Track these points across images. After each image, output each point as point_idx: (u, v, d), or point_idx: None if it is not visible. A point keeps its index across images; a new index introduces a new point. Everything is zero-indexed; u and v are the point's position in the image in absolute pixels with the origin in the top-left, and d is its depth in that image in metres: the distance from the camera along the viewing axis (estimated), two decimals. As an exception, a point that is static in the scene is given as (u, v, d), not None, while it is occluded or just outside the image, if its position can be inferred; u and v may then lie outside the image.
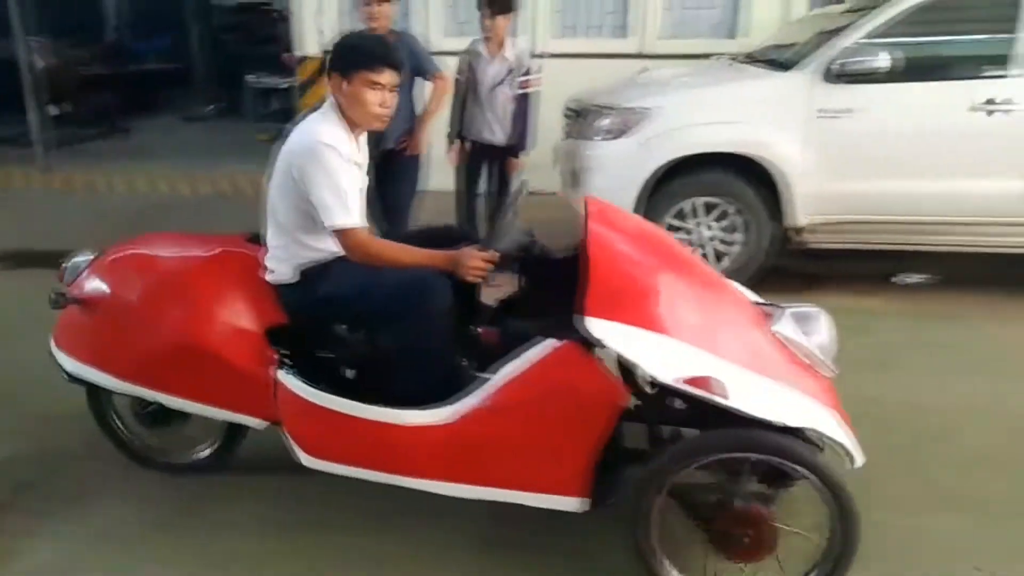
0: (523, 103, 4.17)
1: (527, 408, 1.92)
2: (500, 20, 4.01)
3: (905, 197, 4.01)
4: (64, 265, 2.39)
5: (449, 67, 4.13)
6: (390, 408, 2.01)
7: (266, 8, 10.80)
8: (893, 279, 4.45)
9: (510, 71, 4.12)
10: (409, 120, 4.02)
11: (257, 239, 2.36)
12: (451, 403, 1.97)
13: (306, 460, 2.15)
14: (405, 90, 3.98)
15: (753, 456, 1.81)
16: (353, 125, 2.17)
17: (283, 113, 8.55)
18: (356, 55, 2.12)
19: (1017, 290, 4.23)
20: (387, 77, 2.09)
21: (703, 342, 1.86)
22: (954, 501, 2.42)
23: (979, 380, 3.22)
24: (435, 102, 4.03)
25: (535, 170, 4.14)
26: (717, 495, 1.87)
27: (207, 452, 2.49)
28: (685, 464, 1.85)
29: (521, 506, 1.99)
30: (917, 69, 3.88)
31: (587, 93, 4.50)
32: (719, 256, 4.19)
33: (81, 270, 2.34)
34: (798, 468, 1.78)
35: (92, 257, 2.38)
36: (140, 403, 2.40)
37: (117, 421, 2.50)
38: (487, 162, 4.36)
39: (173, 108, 10.83)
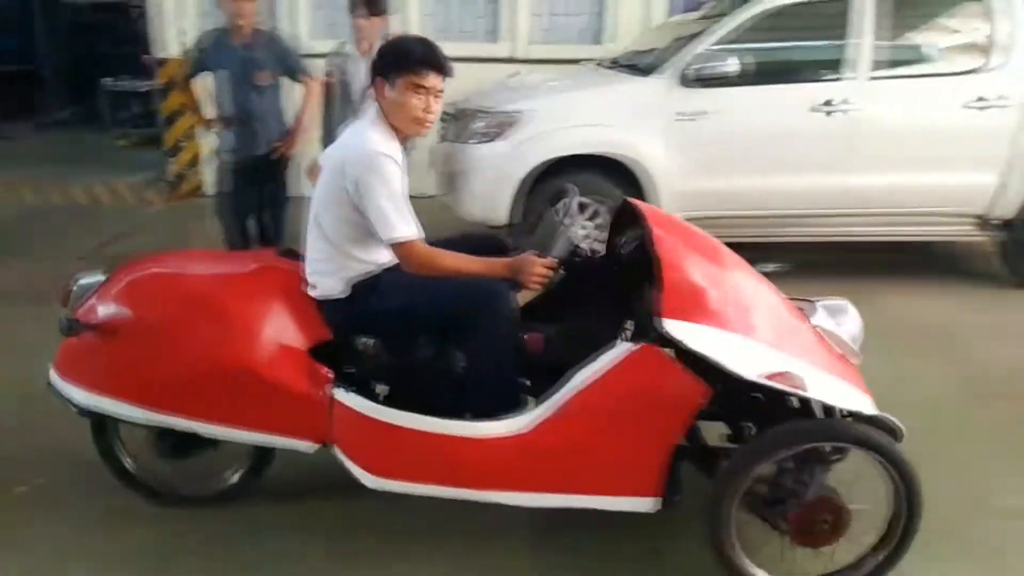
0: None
1: (606, 412, 1.92)
2: (373, 22, 3.97)
3: (757, 193, 4.30)
4: (70, 288, 2.15)
5: (318, 69, 4.06)
6: (464, 421, 1.96)
7: (126, 5, 10.15)
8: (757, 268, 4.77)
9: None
10: (281, 124, 3.93)
11: (291, 253, 2.28)
12: (526, 412, 1.95)
13: (371, 482, 2.03)
14: (272, 92, 3.88)
15: (830, 445, 1.92)
16: (396, 131, 2.08)
17: (143, 118, 8.09)
18: (400, 58, 2.02)
19: (859, 273, 4.63)
20: (432, 80, 2.01)
21: (769, 339, 1.93)
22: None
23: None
24: (308, 105, 3.95)
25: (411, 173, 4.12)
26: (793, 486, 1.92)
27: (233, 480, 2.31)
28: (772, 455, 1.90)
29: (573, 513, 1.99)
30: (763, 73, 4.16)
31: (461, 97, 4.56)
32: (593, 254, 4.32)
33: (89, 293, 2.12)
34: (872, 452, 1.87)
35: (100, 279, 2.16)
36: (159, 434, 2.19)
37: (125, 456, 2.28)
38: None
39: (23, 113, 9.99)
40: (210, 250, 2.45)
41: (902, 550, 1.96)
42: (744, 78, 4.07)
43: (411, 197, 2.11)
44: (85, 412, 2.12)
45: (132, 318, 2.06)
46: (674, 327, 1.83)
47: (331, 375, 2.04)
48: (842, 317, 2.24)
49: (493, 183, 4.21)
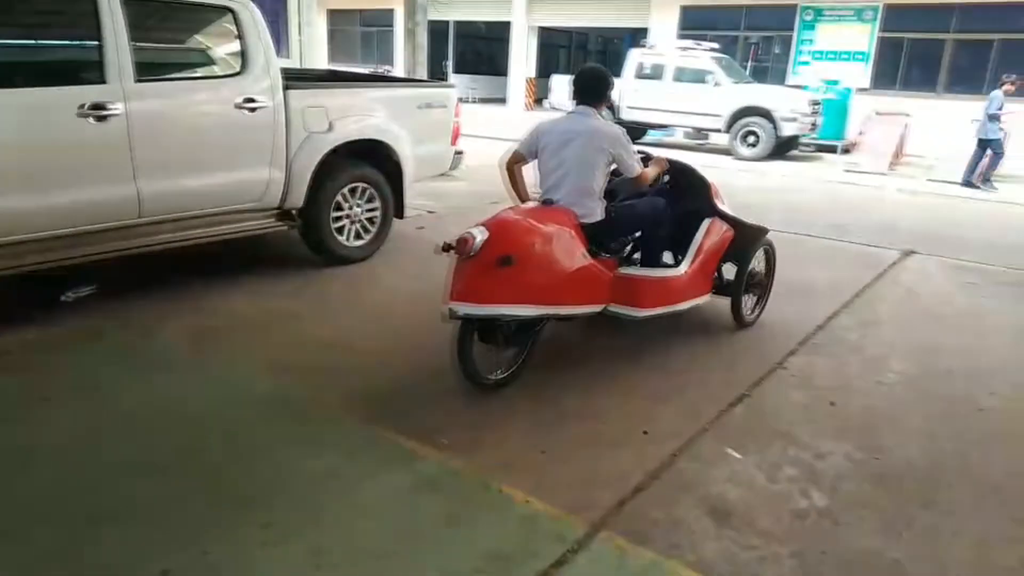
0: None
1: (705, 255, 3.88)
2: None
3: (37, 213, 3.68)
4: (470, 237, 2.93)
5: None
6: (668, 270, 3.84)
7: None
8: (63, 298, 4.14)
9: None
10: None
11: (549, 202, 3.47)
12: (683, 264, 3.84)
13: (640, 313, 3.63)
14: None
15: (768, 244, 4.38)
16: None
17: None
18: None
19: (184, 277, 4.54)
20: None
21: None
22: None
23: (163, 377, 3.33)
24: None
25: None
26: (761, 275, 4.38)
27: (513, 369, 3.35)
28: (756, 248, 4.23)
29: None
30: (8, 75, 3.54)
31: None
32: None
33: (480, 242, 2.94)
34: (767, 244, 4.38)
35: (486, 232, 2.98)
36: (481, 335, 3.18)
37: (472, 352, 3.14)
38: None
39: None
40: (519, 205, 3.67)
41: (768, 293, 4.47)
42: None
43: None
44: (467, 320, 3.06)
45: (521, 253, 3.06)
46: (719, 207, 4.00)
47: (616, 261, 3.67)
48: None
49: None
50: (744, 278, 4.13)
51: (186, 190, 4.20)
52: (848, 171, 11.79)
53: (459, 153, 6.10)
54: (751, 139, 12.65)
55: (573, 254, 3.29)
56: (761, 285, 4.39)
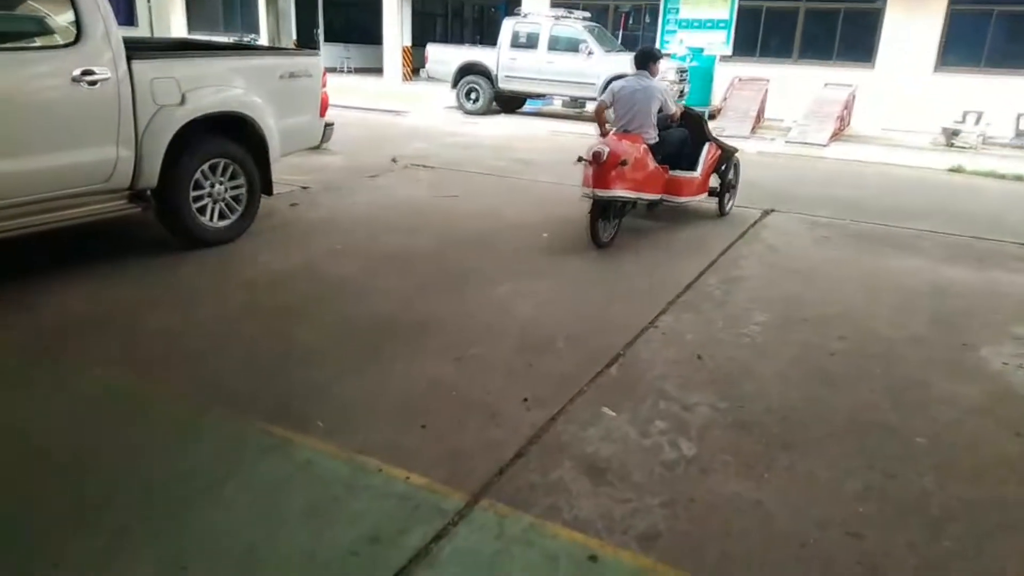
0: None
1: (707, 166, 6.19)
2: None
3: None
4: (599, 150, 5.01)
5: None
6: (690, 172, 6.04)
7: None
8: None
9: None
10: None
11: (626, 131, 5.63)
12: (696, 170, 6.07)
13: (681, 200, 6.01)
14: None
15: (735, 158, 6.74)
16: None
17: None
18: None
19: (29, 271, 4.16)
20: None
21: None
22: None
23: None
24: None
25: None
26: (729, 175, 6.62)
27: (613, 236, 5.46)
28: (730, 163, 6.59)
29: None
30: None
31: None
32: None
33: (606, 154, 4.99)
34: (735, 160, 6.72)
35: (606, 147, 5.06)
36: (605, 213, 5.30)
37: (598, 224, 5.21)
38: None
39: None
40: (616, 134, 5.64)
41: (736, 192, 6.81)
42: None
43: None
44: (598, 200, 5.12)
45: (629, 158, 5.17)
46: (713, 136, 6.40)
47: (667, 168, 5.85)
48: None
49: None
50: (728, 180, 6.49)
51: (16, 173, 3.80)
52: (715, 135, 12.35)
53: (329, 125, 5.88)
54: (625, 106, 12.90)
55: (649, 161, 5.52)
56: (733, 187, 6.65)
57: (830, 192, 8.04)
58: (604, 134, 5.77)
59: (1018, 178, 9.51)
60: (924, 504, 2.50)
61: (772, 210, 6.82)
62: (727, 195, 6.56)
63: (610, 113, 5.92)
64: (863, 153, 11.13)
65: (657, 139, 5.69)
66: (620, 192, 5.16)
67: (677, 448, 2.75)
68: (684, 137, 6.06)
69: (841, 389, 3.31)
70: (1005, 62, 13.77)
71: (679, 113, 6.00)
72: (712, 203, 6.54)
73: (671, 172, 5.87)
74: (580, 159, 5.07)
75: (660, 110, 5.70)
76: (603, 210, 5.21)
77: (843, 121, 12.98)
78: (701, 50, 14.02)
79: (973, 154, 11.25)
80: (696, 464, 2.66)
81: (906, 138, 12.74)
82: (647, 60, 5.87)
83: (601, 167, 4.99)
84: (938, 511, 2.46)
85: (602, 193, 5.05)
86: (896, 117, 13.77)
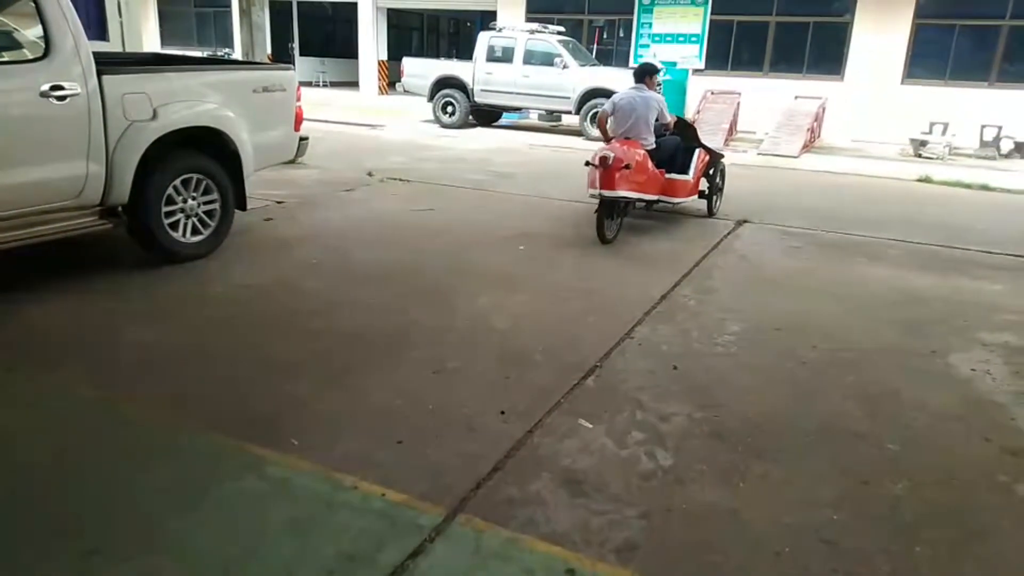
0: None
1: (699, 170, 6.70)
2: None
3: None
4: (606, 154, 5.66)
5: None
6: (684, 175, 6.56)
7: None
8: None
9: None
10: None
11: (625, 138, 6.23)
12: (689, 173, 6.56)
13: (676, 200, 6.55)
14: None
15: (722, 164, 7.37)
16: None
17: None
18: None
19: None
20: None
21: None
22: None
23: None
24: None
25: None
26: (716, 179, 7.22)
27: (616, 233, 5.98)
28: (716, 165, 7.12)
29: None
30: None
31: None
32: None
33: (612, 158, 5.61)
34: (718, 161, 7.23)
35: (612, 152, 5.71)
36: (610, 212, 5.87)
37: (604, 223, 5.75)
38: None
39: None
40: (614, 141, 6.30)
41: (722, 195, 7.31)
42: None
43: None
44: (603, 200, 5.73)
45: (632, 162, 5.78)
46: (704, 143, 7.06)
47: (664, 171, 6.41)
48: None
49: None
50: (715, 183, 7.04)
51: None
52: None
53: (304, 139, 5.86)
54: (600, 119, 13.04)
55: (649, 165, 6.12)
56: (720, 189, 7.21)
57: (802, 202, 8.17)
58: (608, 141, 6.38)
59: (984, 188, 9.73)
60: (897, 510, 2.53)
61: (745, 221, 6.90)
62: (715, 197, 7.12)
63: (611, 122, 6.49)
64: (833, 164, 11.32)
65: (654, 145, 6.27)
66: (624, 192, 5.77)
67: (654, 459, 2.76)
68: (677, 144, 6.60)
69: (814, 397, 3.35)
70: (969, 74, 14.11)
71: (673, 122, 6.57)
72: (703, 204, 7.11)
73: (667, 175, 6.45)
74: (587, 163, 5.79)
75: (657, 119, 6.28)
76: (608, 209, 5.79)
77: (813, 132, 13.19)
78: (674, 64, 14.21)
79: (940, 164, 11.50)
80: (672, 474, 2.67)
81: (875, 149, 13.00)
82: (644, 74, 6.46)
83: (607, 170, 5.60)
84: (911, 517, 2.50)
85: (608, 193, 5.66)
86: (865, 128, 14.04)
